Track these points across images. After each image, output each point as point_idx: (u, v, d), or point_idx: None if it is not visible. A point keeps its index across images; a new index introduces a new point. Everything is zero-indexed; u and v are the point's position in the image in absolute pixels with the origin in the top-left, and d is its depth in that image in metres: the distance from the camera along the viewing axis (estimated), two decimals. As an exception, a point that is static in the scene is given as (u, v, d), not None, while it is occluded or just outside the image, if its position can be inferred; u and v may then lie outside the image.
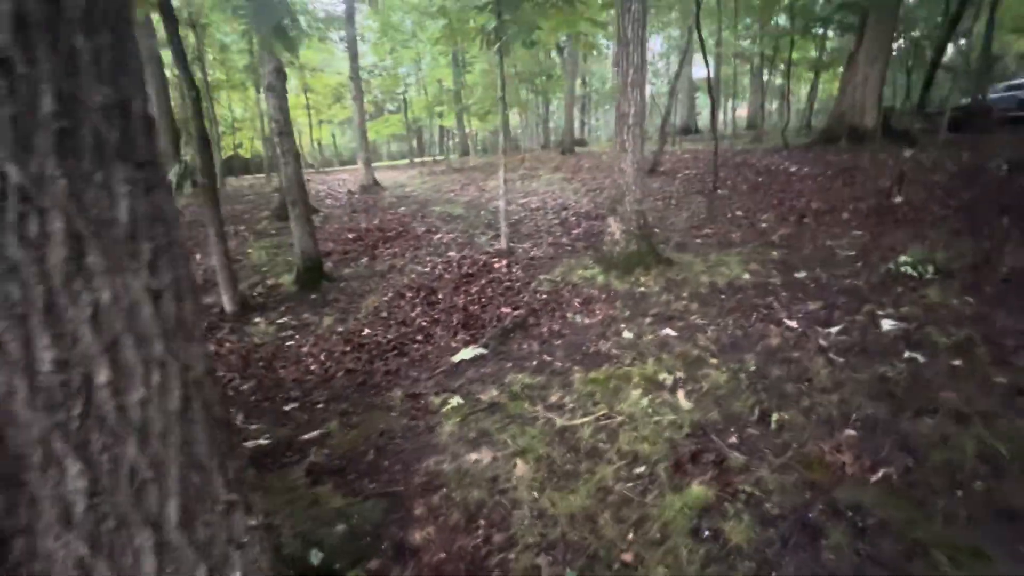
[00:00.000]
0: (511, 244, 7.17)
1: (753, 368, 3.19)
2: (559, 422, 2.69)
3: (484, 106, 33.78)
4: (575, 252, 6.54)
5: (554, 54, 30.01)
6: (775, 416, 2.66)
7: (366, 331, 4.50)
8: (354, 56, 15.21)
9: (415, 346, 4.10)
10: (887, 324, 3.70)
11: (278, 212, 11.40)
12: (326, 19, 16.46)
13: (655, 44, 42.13)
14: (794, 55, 27.86)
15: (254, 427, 2.90)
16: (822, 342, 3.50)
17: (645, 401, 2.86)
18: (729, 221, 7.57)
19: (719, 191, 9.68)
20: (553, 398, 2.99)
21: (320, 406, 3.16)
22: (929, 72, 16.04)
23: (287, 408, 3.16)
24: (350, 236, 8.87)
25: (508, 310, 4.69)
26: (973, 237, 5.62)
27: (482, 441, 2.57)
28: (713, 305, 4.31)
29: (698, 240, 6.71)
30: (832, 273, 4.93)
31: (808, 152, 13.52)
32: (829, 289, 4.51)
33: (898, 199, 7.45)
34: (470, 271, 5.99)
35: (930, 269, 4.70)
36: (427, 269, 6.42)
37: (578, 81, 45.12)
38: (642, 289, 4.83)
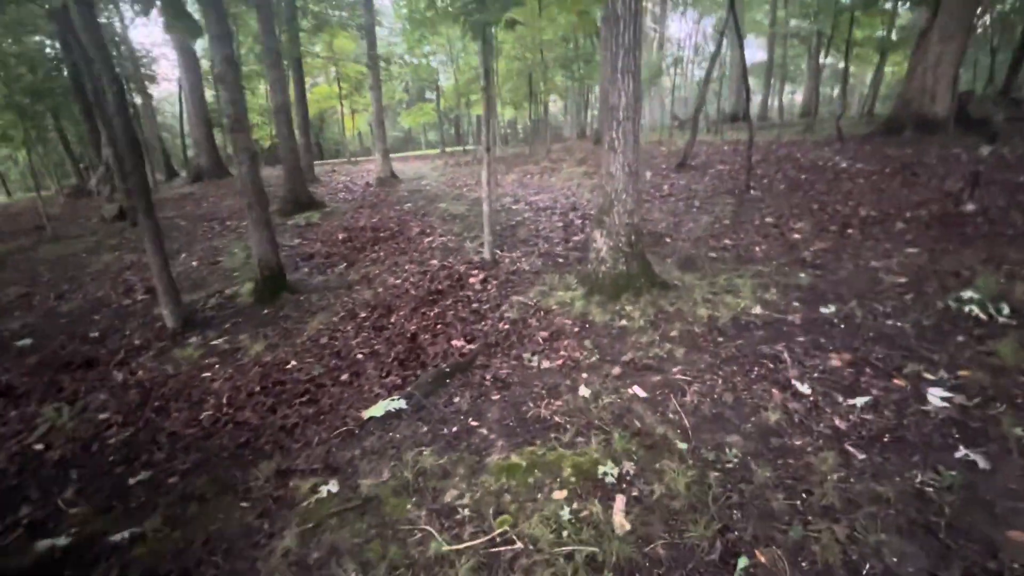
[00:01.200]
0: (499, 253, 6.41)
1: (733, 462, 2.33)
2: (435, 545, 1.95)
3: (517, 95, 32.88)
4: (566, 264, 5.71)
5: (595, 39, 28.60)
6: (744, 561, 1.82)
7: (292, 363, 3.89)
8: (372, 43, 14.68)
9: (334, 389, 3.44)
10: (936, 397, 2.72)
11: (282, 207, 11.07)
12: (344, 4, 15.97)
13: (705, 26, 39.67)
14: (858, 34, 25.29)
15: (73, 511, 2.34)
16: (839, 423, 2.57)
17: (567, 512, 2.07)
18: (756, 229, 6.48)
19: (752, 191, 8.51)
20: (450, 495, 2.25)
21: (173, 480, 2.56)
22: (1018, 51, 13.89)
23: (134, 480, 2.58)
24: (341, 237, 8.35)
25: (460, 343, 3.96)
26: (1068, 262, 4.39)
27: (319, 572, 1.87)
28: (705, 351, 3.42)
29: (712, 254, 5.71)
30: (871, 308, 3.89)
31: (865, 144, 11.96)
32: (862, 334, 3.50)
33: (970, 206, 6.14)
34: (440, 287, 5.28)
35: (1005, 309, 3.60)
36: (399, 281, 5.76)
37: (621, 66, 43.06)
38: (624, 323, 3.97)
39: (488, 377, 3.37)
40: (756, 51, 39.06)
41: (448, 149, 34.23)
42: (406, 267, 6.34)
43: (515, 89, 32.21)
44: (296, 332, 4.54)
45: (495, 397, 3.11)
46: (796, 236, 6.05)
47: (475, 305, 4.73)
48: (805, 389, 2.89)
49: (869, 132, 14.02)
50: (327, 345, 4.19)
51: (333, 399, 3.29)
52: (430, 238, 7.75)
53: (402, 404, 3.08)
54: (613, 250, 4.46)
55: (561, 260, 5.94)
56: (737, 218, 7.10)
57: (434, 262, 6.38)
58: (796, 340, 3.46)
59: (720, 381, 3.03)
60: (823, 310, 3.93)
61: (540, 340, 3.85)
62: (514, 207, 9.63)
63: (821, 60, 28.38)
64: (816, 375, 3.02)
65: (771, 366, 3.16)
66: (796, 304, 4.09)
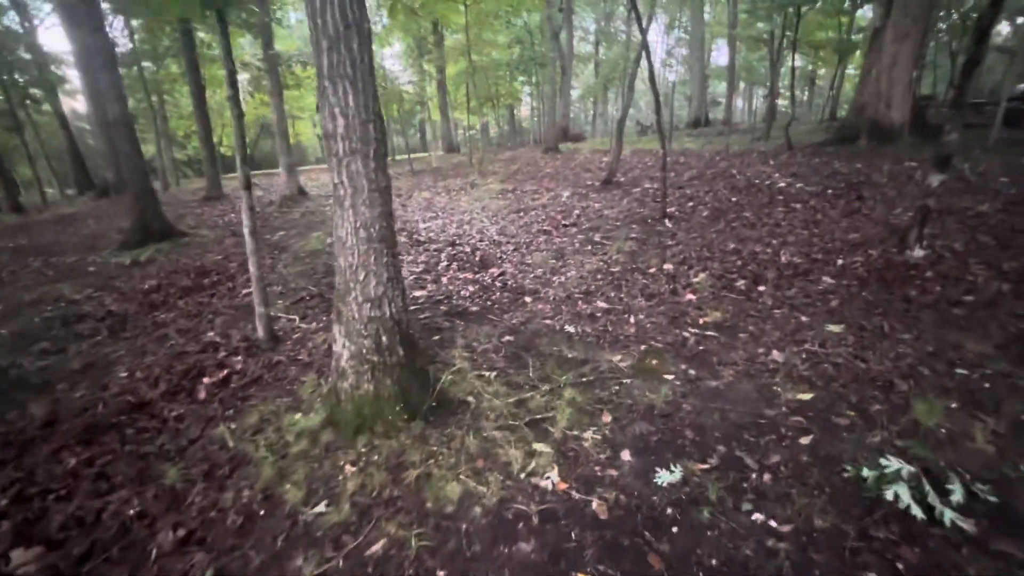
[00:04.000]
0: (296, 322, 4.72)
1: None
2: None
3: (473, 100, 31.25)
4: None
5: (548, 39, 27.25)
6: None
7: None
8: (267, 43, 12.84)
9: None
10: None
11: (127, 238, 9.17)
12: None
13: (678, 32, 38.79)
14: (819, 35, 24.25)
15: None
16: None
17: None
18: (645, 283, 4.89)
19: (667, 220, 6.97)
20: None
21: None
22: (974, 51, 12.71)
23: None
24: (147, 286, 6.54)
25: (31, 553, 2.25)
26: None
27: None
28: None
29: (570, 328, 4.09)
30: (739, 477, 2.29)
31: (815, 156, 10.60)
32: (704, 556, 1.89)
33: (918, 252, 4.66)
34: (153, 394, 3.56)
35: (956, 493, 2.03)
36: (124, 375, 4.02)
37: (590, 69, 42.16)
38: (321, 509, 2.30)
39: None
40: (722, 54, 38.14)
41: (398, 157, 32.45)
42: (169, 344, 4.59)
43: (471, 95, 30.68)
44: None
45: None
46: (690, 296, 4.47)
47: (158, 442, 3.02)
48: None
49: (823, 141, 12.74)
50: None
51: None
52: (247, 290, 6.01)
53: None
54: (356, 359, 2.79)
55: (364, 338, 4.26)
56: (633, 262, 5.52)
57: (209, 335, 4.65)
58: (576, 568, 1.82)
59: None
60: (659, 479, 2.31)
61: (155, 552, 2.15)
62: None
63: (790, 63, 27.49)
64: None
65: None
66: (625, 459, 2.46)
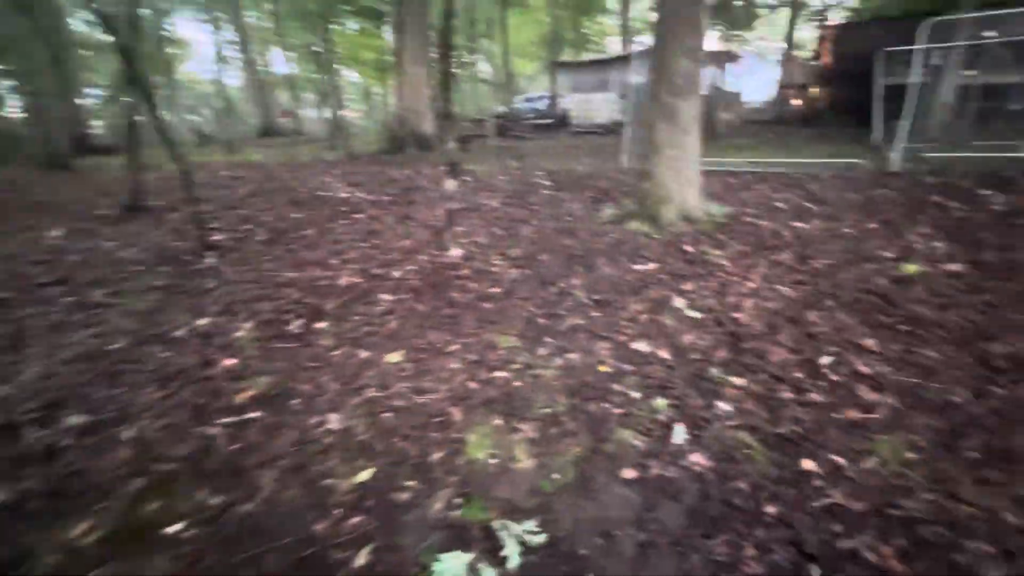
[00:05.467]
0: None
1: None
2: None
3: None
4: None
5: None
6: None
7: None
8: None
9: None
10: None
11: None
12: None
13: (225, 36, 34.55)
14: (366, 53, 26.32)
15: None
16: None
17: None
18: (165, 358, 3.39)
19: (207, 256, 5.44)
20: None
21: None
22: (443, 79, 16.54)
23: None
24: None
25: None
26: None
27: None
28: None
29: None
30: None
31: (373, 164, 10.95)
32: None
33: (454, 251, 5.00)
34: None
35: (513, 555, 1.75)
36: None
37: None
38: None
39: None
40: (283, 63, 36.79)
41: None
42: None
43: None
44: None
45: None
46: (228, 362, 3.31)
47: None
48: None
49: (380, 149, 13.55)
50: None
51: None
52: None
53: None
54: None
55: None
56: (149, 327, 3.85)
57: None
58: None
59: None
60: None
61: None
62: None
63: (345, 77, 28.35)
64: None
65: None
66: None
